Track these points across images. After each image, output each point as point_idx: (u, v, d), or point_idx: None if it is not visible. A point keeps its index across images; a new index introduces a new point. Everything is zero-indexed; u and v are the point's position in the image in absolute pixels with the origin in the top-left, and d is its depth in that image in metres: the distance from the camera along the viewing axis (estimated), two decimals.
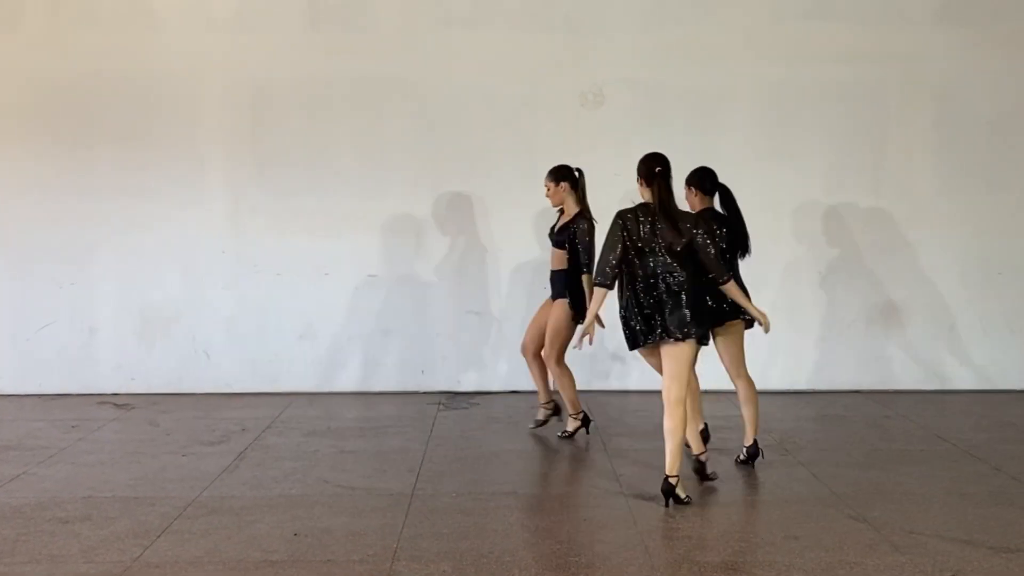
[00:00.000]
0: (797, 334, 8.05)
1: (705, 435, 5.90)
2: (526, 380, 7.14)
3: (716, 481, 5.52)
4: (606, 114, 7.90)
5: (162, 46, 7.82)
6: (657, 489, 5.10)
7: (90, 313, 7.96)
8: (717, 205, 5.99)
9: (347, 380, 8.00)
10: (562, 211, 6.44)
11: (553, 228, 6.49)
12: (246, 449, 6.26)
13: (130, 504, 5.13)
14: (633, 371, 8.03)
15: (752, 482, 5.57)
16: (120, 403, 7.68)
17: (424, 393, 7.89)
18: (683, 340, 5.07)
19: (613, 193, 7.87)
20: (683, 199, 5.94)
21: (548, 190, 6.43)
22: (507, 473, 5.86)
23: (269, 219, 7.90)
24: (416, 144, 7.88)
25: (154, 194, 7.88)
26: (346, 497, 5.28)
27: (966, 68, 7.93)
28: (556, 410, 6.69)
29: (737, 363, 5.83)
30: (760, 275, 7.94)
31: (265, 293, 7.97)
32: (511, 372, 7.86)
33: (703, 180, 5.95)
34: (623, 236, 5.17)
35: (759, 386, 7.90)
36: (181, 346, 8.00)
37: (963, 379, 8.10)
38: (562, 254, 6.33)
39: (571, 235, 6.28)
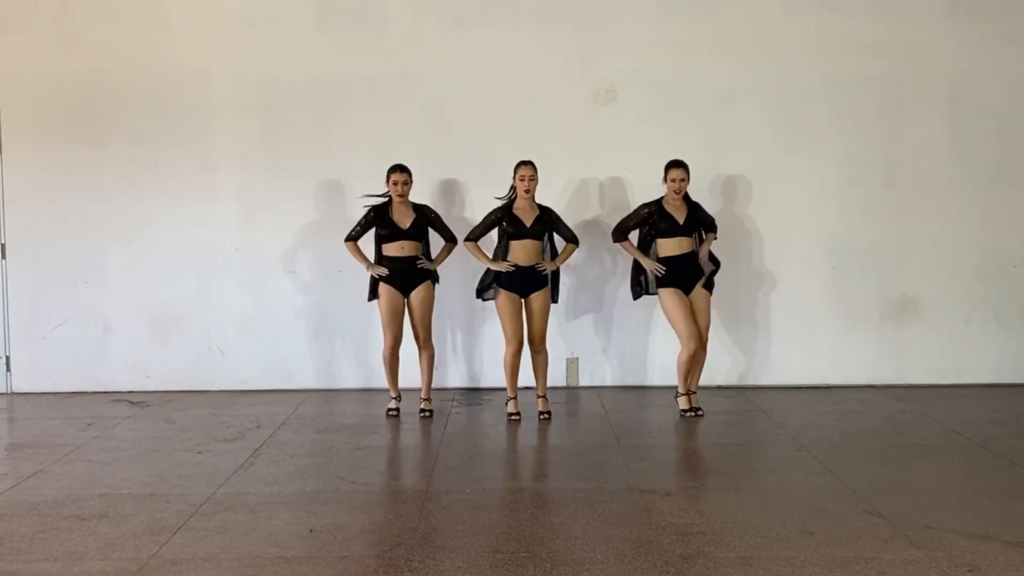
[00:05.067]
0: (811, 329, 8.03)
1: None
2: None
3: (730, 476, 5.53)
4: (618, 110, 7.89)
5: (173, 44, 7.85)
6: (670, 484, 5.08)
7: (105, 311, 8.00)
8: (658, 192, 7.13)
9: (361, 377, 8.03)
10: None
11: (534, 221, 6.84)
12: (261, 446, 6.28)
13: (146, 501, 5.16)
14: (648, 367, 8.03)
15: (766, 477, 5.56)
16: (135, 400, 7.72)
17: (438, 389, 7.90)
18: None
19: (625, 189, 7.91)
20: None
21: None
22: (521, 469, 5.87)
23: (281, 217, 7.93)
24: (427, 141, 7.88)
25: (167, 192, 7.91)
26: (361, 493, 5.29)
27: (979, 61, 7.89)
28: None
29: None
30: (774, 269, 7.98)
31: (279, 290, 8.00)
32: (524, 368, 7.84)
33: None
34: None
35: (775, 381, 7.98)
36: (195, 344, 8.03)
37: (978, 373, 8.06)
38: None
39: None
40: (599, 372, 8.08)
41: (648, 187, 7.72)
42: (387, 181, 6.95)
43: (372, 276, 7.00)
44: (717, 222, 7.19)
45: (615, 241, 7.13)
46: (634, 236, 7.14)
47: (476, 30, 7.87)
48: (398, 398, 7.11)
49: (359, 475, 5.63)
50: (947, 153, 7.95)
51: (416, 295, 6.96)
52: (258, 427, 6.78)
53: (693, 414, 6.97)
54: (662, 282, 6.91)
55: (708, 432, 6.67)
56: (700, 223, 7.02)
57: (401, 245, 6.89)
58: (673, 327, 6.98)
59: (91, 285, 7.98)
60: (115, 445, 6.36)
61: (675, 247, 6.91)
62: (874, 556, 4.30)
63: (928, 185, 7.97)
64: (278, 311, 8.02)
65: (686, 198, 6.98)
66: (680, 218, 6.91)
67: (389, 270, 6.90)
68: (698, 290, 6.97)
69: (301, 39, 7.87)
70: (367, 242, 7.11)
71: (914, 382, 8.04)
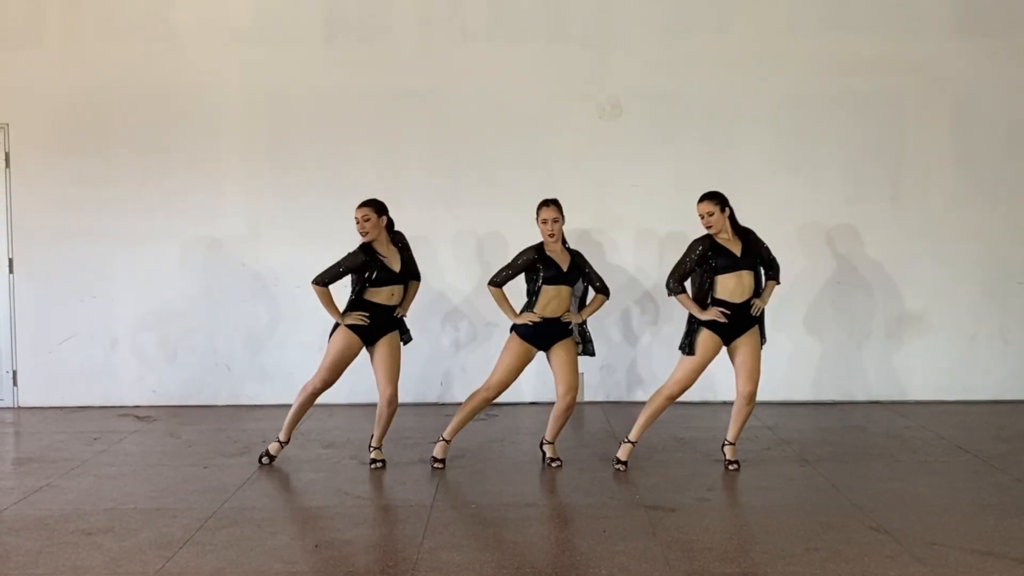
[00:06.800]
0: (816, 345, 8.04)
1: None
2: (546, 391, 7.14)
3: (735, 492, 5.52)
4: (623, 126, 7.92)
5: (181, 60, 7.90)
6: (676, 500, 5.09)
7: (111, 326, 8.03)
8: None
9: (366, 392, 8.00)
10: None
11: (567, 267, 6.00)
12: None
13: (152, 516, 5.17)
14: (654, 383, 8.03)
15: (772, 493, 5.55)
16: (141, 415, 7.74)
17: (443, 405, 7.91)
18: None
19: (630, 205, 7.93)
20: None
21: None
22: (526, 484, 5.87)
23: (288, 232, 7.96)
24: (433, 157, 7.92)
25: (174, 207, 7.95)
26: (366, 508, 5.30)
27: (983, 77, 7.92)
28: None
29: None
30: (779, 286, 7.97)
31: (285, 305, 8.02)
32: (530, 384, 7.86)
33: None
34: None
35: (781, 397, 7.98)
36: (202, 358, 8.05)
37: (983, 389, 8.06)
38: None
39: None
40: (604, 388, 8.08)
41: (651, 200, 7.77)
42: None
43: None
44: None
45: (671, 294, 5.92)
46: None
47: (483, 46, 7.91)
48: (286, 443, 6.23)
49: (364, 490, 5.64)
50: (952, 169, 7.96)
51: (385, 344, 6.07)
52: (264, 442, 6.78)
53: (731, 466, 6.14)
54: (707, 323, 5.88)
55: (713, 448, 6.66)
56: (757, 256, 6.00)
57: (391, 292, 6.03)
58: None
59: (98, 300, 8.01)
60: (121, 460, 6.38)
61: (736, 284, 5.85)
62: (880, 573, 4.30)
63: (933, 201, 7.98)
64: (284, 326, 8.04)
65: (735, 226, 5.97)
66: (737, 250, 5.89)
67: (369, 317, 6.01)
68: (747, 335, 5.97)
69: (309, 55, 7.92)
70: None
71: (919, 398, 8.04)
